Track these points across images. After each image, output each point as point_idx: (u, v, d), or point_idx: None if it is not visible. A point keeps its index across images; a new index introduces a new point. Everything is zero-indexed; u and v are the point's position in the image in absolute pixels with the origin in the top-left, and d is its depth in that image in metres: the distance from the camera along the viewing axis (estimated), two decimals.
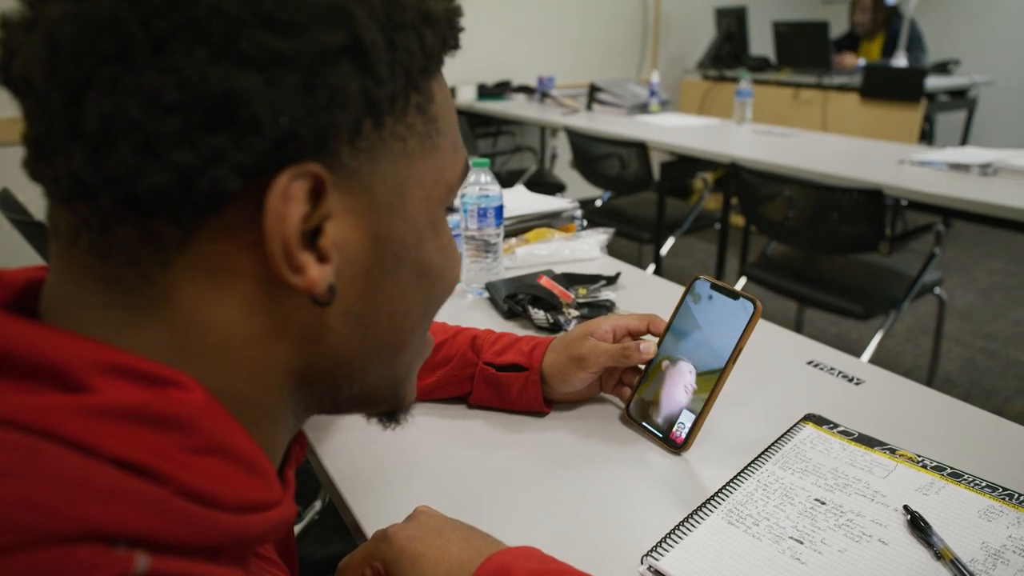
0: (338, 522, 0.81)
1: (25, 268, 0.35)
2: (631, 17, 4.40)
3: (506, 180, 3.40)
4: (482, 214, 1.04)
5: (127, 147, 0.27)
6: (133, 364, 0.29)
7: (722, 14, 4.12)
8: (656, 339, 0.74)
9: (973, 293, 3.23)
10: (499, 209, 1.06)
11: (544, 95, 3.64)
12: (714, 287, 0.71)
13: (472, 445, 0.72)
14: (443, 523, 0.50)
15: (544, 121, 3.31)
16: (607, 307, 1.00)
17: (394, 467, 0.68)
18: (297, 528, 1.51)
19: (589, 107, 3.44)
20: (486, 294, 1.07)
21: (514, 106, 3.60)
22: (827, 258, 2.28)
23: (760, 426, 0.73)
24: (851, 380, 0.83)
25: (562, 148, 3.64)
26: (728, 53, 4.09)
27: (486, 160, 1.06)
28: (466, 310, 1.05)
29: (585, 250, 1.24)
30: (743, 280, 2.37)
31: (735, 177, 2.25)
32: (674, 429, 0.69)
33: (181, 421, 0.29)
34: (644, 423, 0.71)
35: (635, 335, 0.75)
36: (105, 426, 0.27)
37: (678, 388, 0.70)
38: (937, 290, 2.05)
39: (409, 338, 0.39)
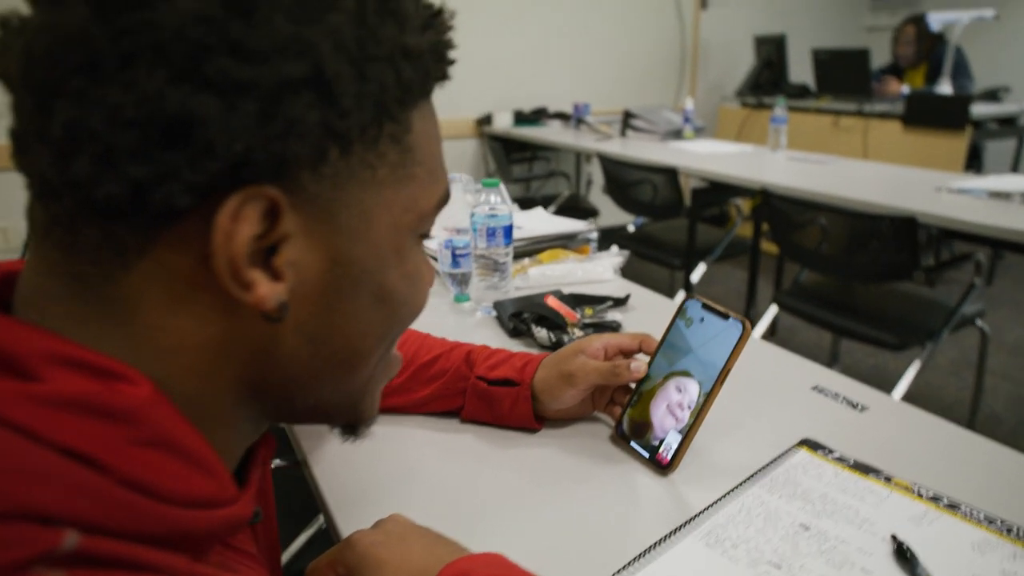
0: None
1: (7, 261, 0.37)
2: (669, 45, 4.42)
3: (539, 205, 3.42)
4: (491, 233, 1.06)
5: (87, 156, 0.29)
6: (84, 356, 0.30)
7: (761, 42, 4.10)
8: (648, 358, 0.73)
9: (1023, 327, 3.10)
10: (508, 229, 1.07)
11: (579, 121, 3.67)
12: (705, 307, 0.71)
13: (462, 459, 0.72)
14: (409, 530, 0.51)
15: (579, 147, 3.33)
16: (613, 328, 1.00)
17: (384, 479, 0.69)
18: (301, 540, 1.53)
19: (623, 133, 3.45)
20: (494, 313, 1.08)
21: (550, 132, 3.64)
22: (863, 287, 2.23)
23: (754, 450, 0.71)
24: (855, 406, 0.81)
25: (596, 174, 3.65)
26: (767, 80, 4.06)
27: (496, 180, 1.08)
28: (473, 328, 1.06)
29: (598, 272, 1.24)
30: (775, 308, 2.33)
31: (766, 204, 2.22)
32: (660, 450, 0.68)
33: (127, 414, 0.30)
34: (632, 442, 0.71)
35: (627, 354, 0.75)
36: (49, 414, 0.28)
37: (666, 408, 0.69)
38: (979, 322, 1.97)
39: (365, 359, 0.40)
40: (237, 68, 0.29)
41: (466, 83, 3.88)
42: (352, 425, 0.45)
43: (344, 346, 0.38)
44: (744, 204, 2.64)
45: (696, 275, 2.70)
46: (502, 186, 1.81)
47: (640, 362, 0.72)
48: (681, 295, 1.54)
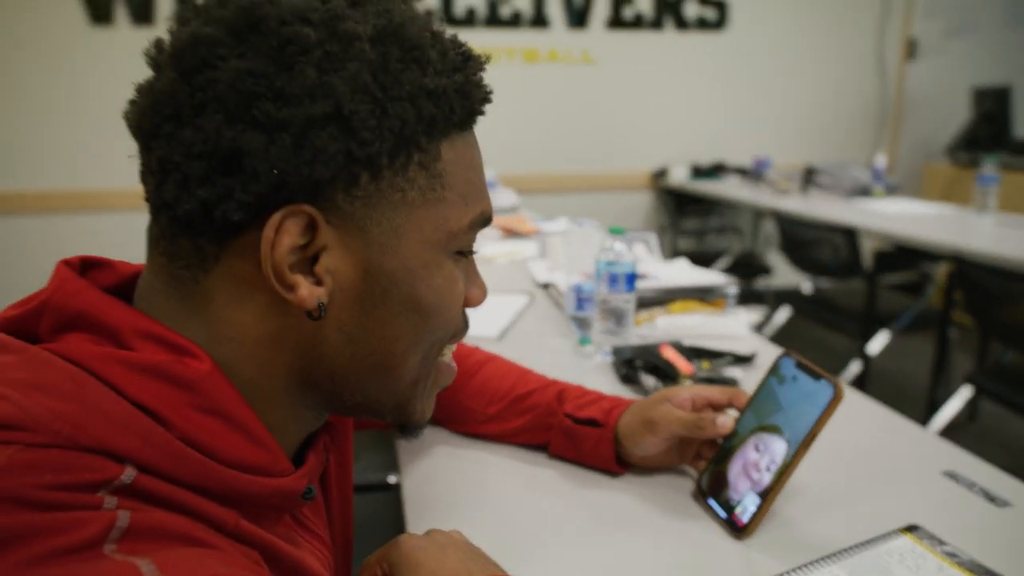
0: None
1: (137, 264, 0.47)
2: (864, 97, 4.12)
3: (708, 260, 3.33)
4: (613, 280, 1.08)
5: (172, 183, 0.38)
6: (164, 334, 0.39)
7: (980, 94, 3.69)
8: (736, 414, 0.71)
9: None
10: (630, 276, 1.08)
11: (758, 176, 3.53)
12: (799, 366, 0.67)
13: (540, 491, 0.74)
14: (452, 542, 0.54)
15: (756, 203, 3.20)
16: (729, 385, 0.97)
17: (462, 500, 0.73)
18: None
19: (804, 189, 3.26)
20: (612, 358, 1.09)
21: (727, 186, 3.54)
22: None
23: (850, 529, 0.65)
24: (993, 500, 0.71)
25: (775, 231, 3.48)
26: (986, 136, 3.63)
27: (621, 228, 1.10)
28: (589, 371, 1.07)
29: (731, 327, 1.20)
30: (968, 388, 2.05)
31: (960, 272, 1.99)
32: (737, 511, 0.65)
33: (190, 383, 0.38)
34: (710, 500, 0.68)
35: (716, 407, 0.73)
36: (132, 375, 0.36)
37: (742, 467, 0.66)
38: None
39: (400, 362, 0.45)
40: (277, 110, 0.36)
41: (642, 136, 3.92)
42: (405, 426, 0.50)
43: (379, 348, 0.43)
44: (939, 270, 2.37)
45: (876, 345, 2.46)
46: (654, 237, 1.82)
47: (727, 417, 0.70)
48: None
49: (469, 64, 0.43)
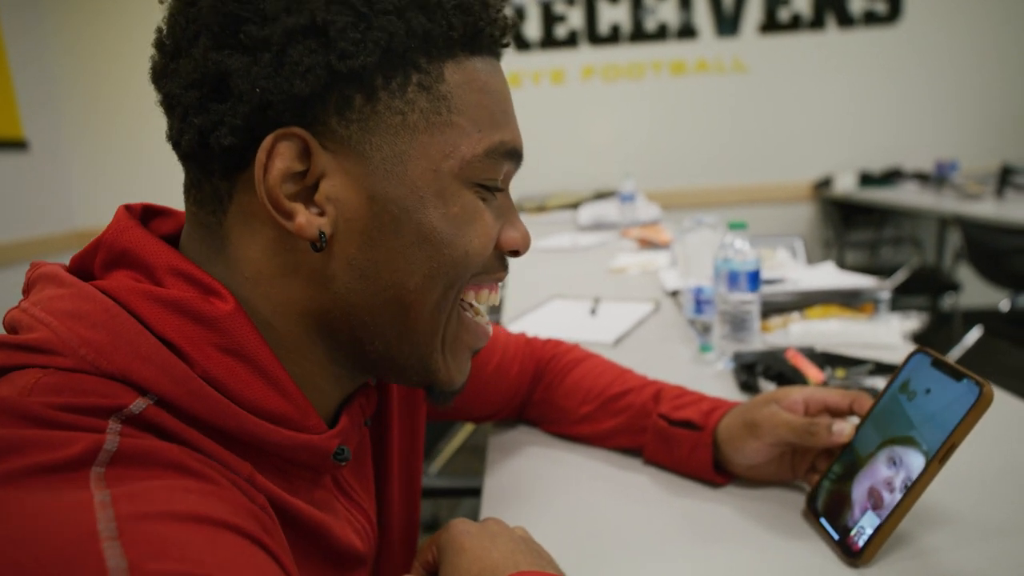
0: None
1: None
2: None
3: (881, 274, 3.00)
4: (733, 280, 0.98)
5: (176, 117, 0.39)
6: (193, 272, 0.40)
7: None
8: (857, 420, 0.60)
9: None
10: (752, 275, 0.98)
11: (941, 181, 3.14)
12: (935, 364, 0.56)
13: (628, 498, 0.68)
14: (503, 531, 0.50)
15: (938, 210, 2.84)
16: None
17: (544, 503, 0.69)
18: None
19: (1000, 192, 2.84)
20: (733, 365, 0.99)
21: (903, 194, 3.18)
22: None
23: (1006, 565, 0.53)
24: None
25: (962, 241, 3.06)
26: None
27: (743, 222, 1.00)
28: (708, 379, 0.98)
29: (880, 335, 1.05)
30: None
31: None
32: (853, 533, 0.55)
33: (213, 321, 0.38)
34: (822, 519, 0.58)
35: (834, 412, 0.63)
36: (160, 310, 0.37)
37: (879, 487, 0.56)
38: None
39: (417, 299, 0.42)
40: (258, 30, 0.37)
41: (802, 145, 3.66)
42: (430, 387, 0.47)
43: (392, 282, 0.41)
44: None
45: None
46: (800, 242, 1.67)
47: (845, 424, 0.60)
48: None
49: None
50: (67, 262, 0.42)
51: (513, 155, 0.44)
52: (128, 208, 0.43)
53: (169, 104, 0.40)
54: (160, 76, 0.40)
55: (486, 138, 0.42)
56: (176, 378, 0.35)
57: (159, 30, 0.40)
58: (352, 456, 0.48)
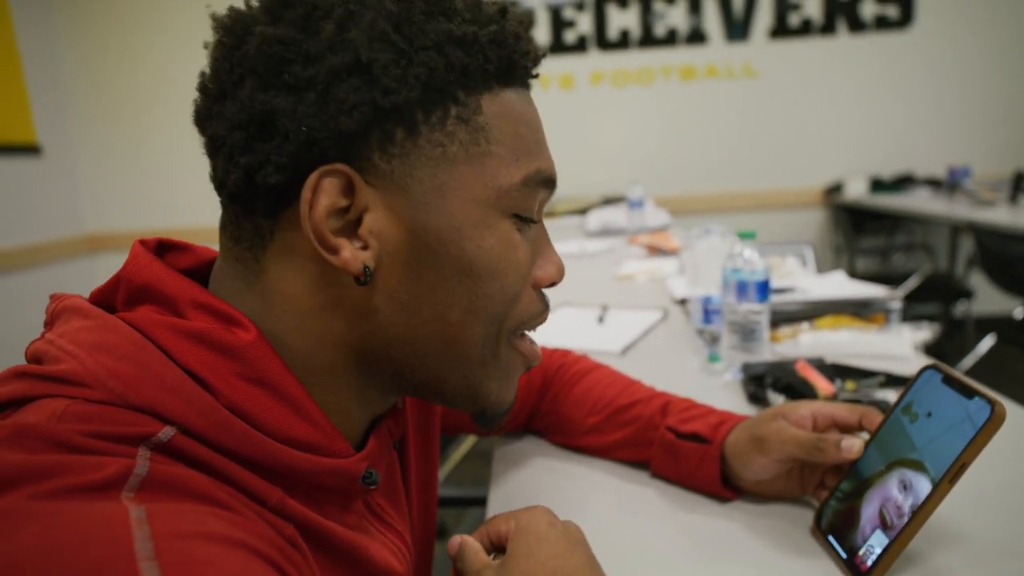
0: None
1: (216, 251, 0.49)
2: None
3: (892, 282, 2.98)
4: (741, 289, 0.98)
5: (222, 158, 0.40)
6: (215, 304, 0.40)
7: None
8: (867, 437, 0.59)
9: None
10: (761, 286, 0.97)
11: (953, 187, 3.11)
12: (946, 380, 0.55)
13: (633, 512, 0.67)
14: (582, 542, 0.47)
15: (951, 217, 2.81)
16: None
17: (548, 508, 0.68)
18: None
19: (1013, 198, 2.81)
20: (742, 375, 0.98)
21: (914, 200, 3.16)
22: None
23: None
24: None
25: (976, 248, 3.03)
26: None
27: (752, 232, 0.99)
28: (716, 390, 0.97)
29: (891, 346, 1.03)
30: None
31: None
32: (861, 552, 0.54)
33: (235, 351, 0.38)
34: (830, 537, 0.58)
35: (843, 428, 0.62)
36: (183, 342, 0.37)
37: (877, 502, 0.55)
38: None
39: (461, 333, 0.42)
40: (303, 70, 0.37)
41: (812, 150, 3.64)
42: (480, 413, 0.47)
43: (433, 316, 0.41)
44: None
45: None
46: (810, 249, 1.66)
47: (854, 440, 0.59)
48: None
49: (506, 16, 0.41)
50: (80, 280, 0.43)
51: (549, 183, 0.45)
52: (143, 243, 0.43)
53: (214, 146, 0.40)
54: (204, 119, 0.41)
55: (523, 166, 0.42)
56: (202, 410, 0.35)
57: (202, 74, 0.41)
58: (383, 479, 0.47)
